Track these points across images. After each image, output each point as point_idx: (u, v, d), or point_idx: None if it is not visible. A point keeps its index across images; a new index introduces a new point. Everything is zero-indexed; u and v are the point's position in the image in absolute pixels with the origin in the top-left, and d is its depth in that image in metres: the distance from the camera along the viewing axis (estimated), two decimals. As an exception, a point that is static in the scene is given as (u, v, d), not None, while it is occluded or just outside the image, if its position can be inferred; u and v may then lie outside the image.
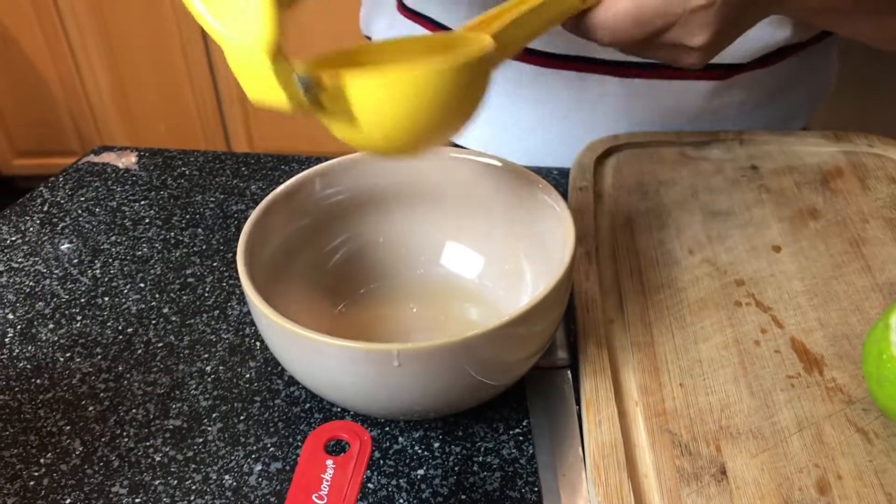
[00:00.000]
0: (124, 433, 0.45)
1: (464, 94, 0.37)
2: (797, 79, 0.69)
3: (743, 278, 0.50)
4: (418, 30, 0.69)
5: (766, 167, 0.59)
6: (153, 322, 0.52)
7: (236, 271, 0.56)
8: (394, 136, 0.36)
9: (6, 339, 0.51)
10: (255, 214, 0.45)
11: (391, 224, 0.52)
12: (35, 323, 0.52)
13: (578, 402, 0.44)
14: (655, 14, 0.43)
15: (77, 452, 0.44)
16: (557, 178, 0.63)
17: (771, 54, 0.64)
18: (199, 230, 0.60)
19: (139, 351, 0.50)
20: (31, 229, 0.61)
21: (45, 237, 0.60)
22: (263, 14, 0.31)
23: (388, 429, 0.44)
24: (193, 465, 0.43)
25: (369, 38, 0.79)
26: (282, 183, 0.48)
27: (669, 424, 0.41)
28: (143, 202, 0.64)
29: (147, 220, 0.62)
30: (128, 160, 0.70)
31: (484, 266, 0.51)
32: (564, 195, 0.46)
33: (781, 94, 0.68)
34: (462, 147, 0.50)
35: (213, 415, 0.46)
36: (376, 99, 0.35)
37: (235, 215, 0.62)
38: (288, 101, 0.33)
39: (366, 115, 0.35)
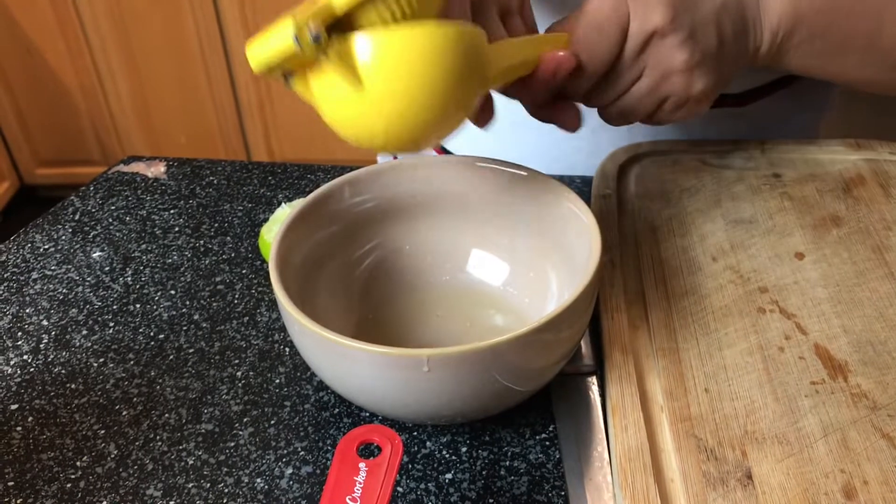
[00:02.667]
0: (157, 437, 0.46)
1: (464, 68, 0.37)
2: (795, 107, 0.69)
3: (766, 285, 0.50)
4: None
5: (788, 175, 0.60)
6: (184, 328, 0.53)
7: (265, 278, 0.57)
8: (394, 111, 0.37)
9: (41, 345, 0.52)
10: (286, 222, 0.46)
11: (417, 232, 0.53)
12: (69, 329, 0.54)
13: (604, 408, 0.45)
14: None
15: (112, 456, 0.45)
16: (580, 187, 0.64)
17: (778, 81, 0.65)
18: (228, 238, 0.61)
19: (171, 357, 0.51)
20: (64, 238, 0.63)
21: (78, 245, 0.62)
22: None
23: (416, 433, 0.45)
24: (226, 469, 0.44)
25: None
26: (308, 191, 0.49)
27: (695, 429, 0.42)
28: (172, 211, 0.65)
29: (177, 229, 0.63)
30: (157, 170, 0.71)
31: (509, 273, 0.52)
32: (587, 203, 0.47)
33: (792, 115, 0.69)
34: (487, 158, 0.51)
35: (244, 419, 0.46)
36: (381, 57, 0.35)
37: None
38: (294, 46, 0.34)
39: (368, 77, 0.36)
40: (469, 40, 0.38)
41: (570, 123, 0.50)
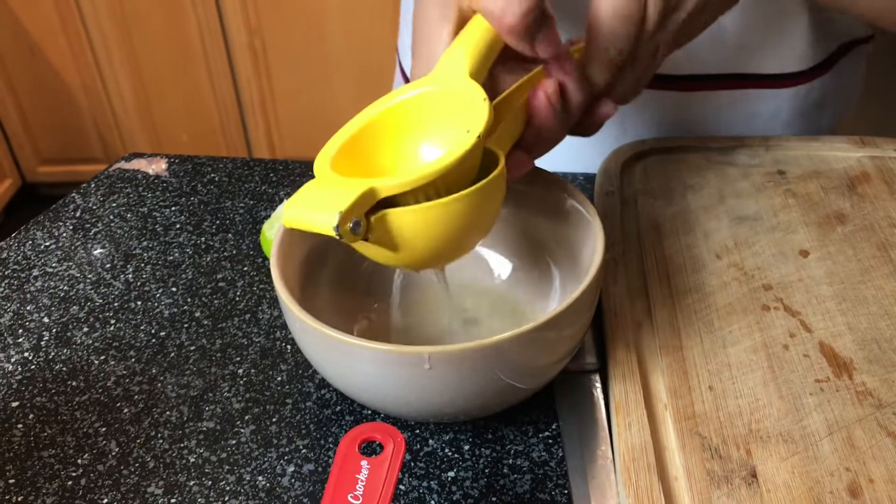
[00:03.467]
0: (159, 435, 0.46)
1: (488, 206, 0.40)
2: (826, 97, 0.69)
3: (771, 283, 0.50)
4: None
5: (793, 172, 0.59)
6: (185, 326, 0.53)
7: (266, 276, 0.57)
8: (425, 254, 0.40)
9: (42, 343, 0.52)
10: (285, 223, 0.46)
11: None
12: (70, 326, 0.53)
13: (607, 406, 0.44)
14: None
15: (113, 453, 0.45)
16: (583, 184, 0.64)
17: (809, 69, 0.65)
18: (230, 235, 0.61)
19: (172, 354, 0.51)
20: (65, 235, 0.62)
21: (79, 242, 0.62)
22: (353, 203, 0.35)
23: (418, 431, 0.45)
24: (227, 467, 0.43)
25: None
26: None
27: (699, 428, 0.41)
28: (173, 208, 0.65)
29: (178, 226, 0.63)
30: (158, 167, 0.71)
31: (512, 271, 0.52)
32: (591, 200, 0.46)
33: (813, 110, 0.68)
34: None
35: (246, 417, 0.46)
36: (413, 227, 0.38)
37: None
38: (333, 233, 0.35)
39: (402, 240, 0.38)
40: (491, 187, 0.39)
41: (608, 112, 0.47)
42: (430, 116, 0.41)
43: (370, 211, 0.37)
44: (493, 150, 0.40)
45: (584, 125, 0.46)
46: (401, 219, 0.37)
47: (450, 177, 0.37)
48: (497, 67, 0.43)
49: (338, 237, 0.35)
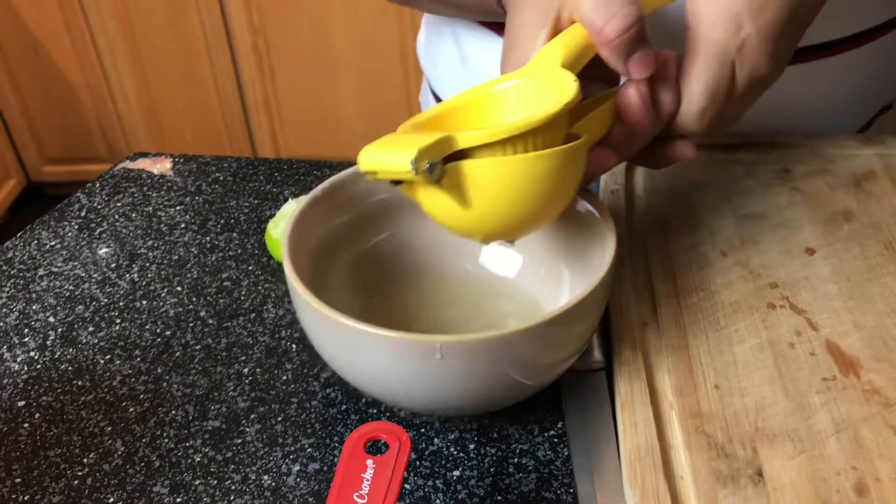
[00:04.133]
0: (164, 434, 0.46)
1: (566, 174, 0.39)
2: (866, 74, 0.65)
3: (776, 281, 0.50)
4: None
5: (798, 170, 0.59)
6: (191, 325, 0.53)
7: (271, 275, 0.57)
8: (497, 216, 0.39)
9: (48, 342, 0.52)
10: (299, 209, 0.46)
11: (430, 224, 0.52)
12: (75, 326, 0.53)
13: (613, 405, 0.44)
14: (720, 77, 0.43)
15: (119, 453, 0.45)
16: (588, 182, 0.63)
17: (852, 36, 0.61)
18: (235, 234, 0.61)
19: (177, 353, 0.51)
20: (70, 234, 0.63)
21: (84, 242, 0.62)
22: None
23: (423, 430, 0.45)
24: (233, 466, 0.43)
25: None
26: (315, 188, 0.48)
27: (705, 426, 0.41)
28: (178, 207, 0.65)
29: (183, 225, 0.63)
30: (162, 166, 0.71)
31: (522, 267, 0.52)
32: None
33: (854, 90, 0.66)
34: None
35: (251, 416, 0.46)
36: (489, 180, 0.37)
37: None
38: (410, 172, 0.35)
39: (476, 195, 0.37)
40: (571, 155, 0.38)
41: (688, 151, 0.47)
42: (519, 102, 0.40)
43: (447, 159, 0.36)
44: (577, 134, 0.40)
45: (658, 156, 0.47)
46: (477, 170, 0.37)
47: (530, 142, 0.37)
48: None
49: (412, 174, 0.35)
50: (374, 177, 0.37)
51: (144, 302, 0.55)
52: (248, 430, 0.46)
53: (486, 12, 0.59)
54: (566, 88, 0.38)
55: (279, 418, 0.46)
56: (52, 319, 0.54)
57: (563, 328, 0.40)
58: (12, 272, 0.59)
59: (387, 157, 0.36)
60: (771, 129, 0.64)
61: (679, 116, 0.44)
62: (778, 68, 0.44)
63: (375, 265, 0.51)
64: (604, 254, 0.43)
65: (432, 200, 0.39)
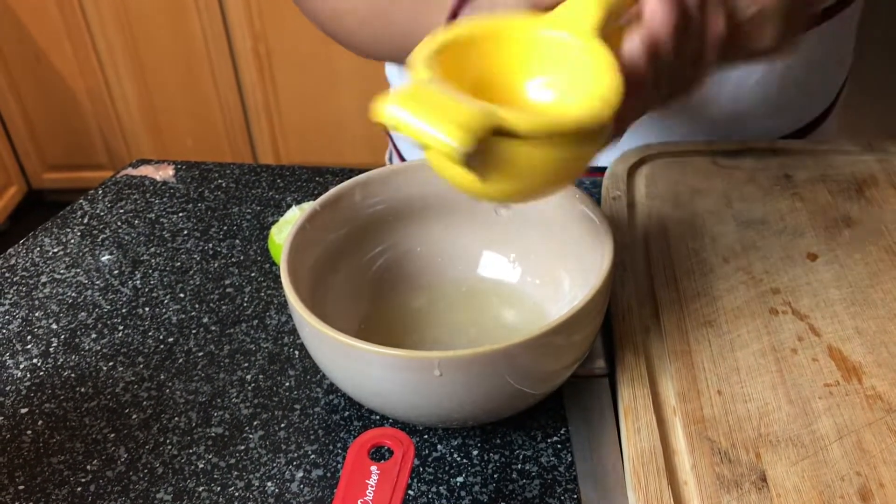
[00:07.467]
0: (167, 441, 0.46)
1: (589, 150, 0.39)
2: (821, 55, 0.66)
3: (779, 286, 0.50)
4: None
5: (800, 176, 0.59)
6: (193, 332, 0.53)
7: (274, 281, 0.57)
8: (516, 189, 0.38)
9: (51, 349, 0.52)
10: (297, 224, 0.46)
11: (429, 234, 0.52)
12: (78, 333, 0.54)
13: (616, 410, 0.44)
14: None
15: (122, 459, 0.45)
16: (590, 189, 0.63)
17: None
18: (237, 241, 0.61)
19: (180, 360, 0.51)
20: (73, 241, 0.63)
21: (86, 249, 0.62)
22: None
23: (427, 436, 0.45)
24: (236, 472, 0.43)
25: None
26: (317, 194, 0.48)
27: (708, 432, 0.41)
28: (180, 214, 0.65)
29: (185, 232, 0.63)
30: (165, 173, 0.71)
31: (521, 275, 0.52)
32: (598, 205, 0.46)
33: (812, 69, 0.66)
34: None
35: (255, 422, 0.46)
36: (522, 159, 0.36)
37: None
38: (453, 151, 0.33)
39: (502, 171, 0.36)
40: (600, 134, 0.38)
41: None
42: (557, 64, 0.39)
43: None
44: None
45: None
46: (510, 150, 0.36)
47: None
48: None
49: (456, 155, 0.33)
50: (393, 129, 0.34)
51: (147, 309, 0.55)
52: (251, 436, 0.46)
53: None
54: (607, 80, 0.37)
55: (282, 424, 0.46)
56: (54, 326, 0.54)
57: (563, 336, 0.40)
58: (15, 279, 0.59)
59: (421, 125, 0.33)
60: (709, 129, 0.65)
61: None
62: None
63: (376, 277, 0.51)
64: (602, 261, 0.43)
65: (449, 166, 0.37)
